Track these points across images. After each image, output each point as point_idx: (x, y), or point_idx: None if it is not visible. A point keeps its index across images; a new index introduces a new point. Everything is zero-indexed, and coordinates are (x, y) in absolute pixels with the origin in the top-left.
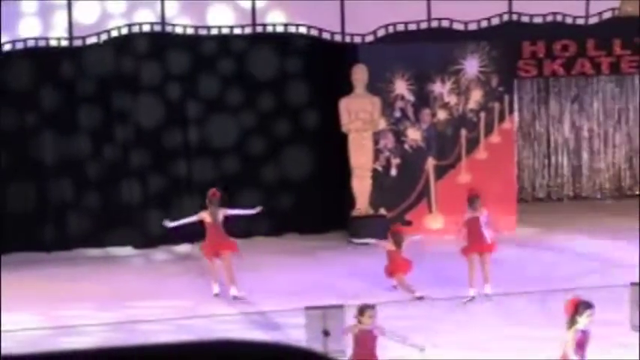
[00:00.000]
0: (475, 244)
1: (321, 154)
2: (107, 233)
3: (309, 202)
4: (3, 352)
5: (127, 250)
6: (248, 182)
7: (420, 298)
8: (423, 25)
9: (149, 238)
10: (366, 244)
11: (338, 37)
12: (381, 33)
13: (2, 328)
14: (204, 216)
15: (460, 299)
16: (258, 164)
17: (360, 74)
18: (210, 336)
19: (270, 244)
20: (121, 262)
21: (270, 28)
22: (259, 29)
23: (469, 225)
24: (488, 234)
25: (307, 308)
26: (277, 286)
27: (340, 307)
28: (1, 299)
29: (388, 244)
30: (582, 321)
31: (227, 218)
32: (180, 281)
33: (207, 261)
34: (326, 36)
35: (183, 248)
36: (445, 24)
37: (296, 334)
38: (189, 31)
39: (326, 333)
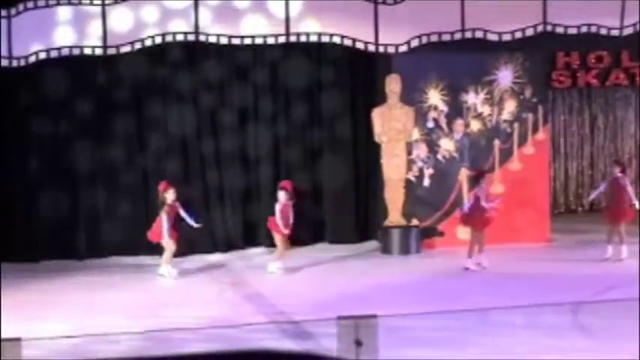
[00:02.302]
0: (478, 219)
1: (354, 164)
2: (140, 241)
3: (342, 212)
4: None
5: (159, 259)
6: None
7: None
8: (457, 36)
9: (181, 247)
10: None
11: (372, 47)
12: (414, 43)
13: (35, 336)
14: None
15: (493, 310)
16: (290, 173)
17: (393, 84)
18: (241, 345)
19: (302, 254)
20: (154, 271)
21: (303, 38)
22: (293, 38)
23: (475, 200)
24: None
25: (339, 318)
26: (309, 295)
27: (373, 317)
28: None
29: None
30: None
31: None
32: (211, 290)
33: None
34: (360, 46)
35: (215, 257)
36: (479, 34)
37: (327, 343)
38: (223, 40)
39: (358, 343)
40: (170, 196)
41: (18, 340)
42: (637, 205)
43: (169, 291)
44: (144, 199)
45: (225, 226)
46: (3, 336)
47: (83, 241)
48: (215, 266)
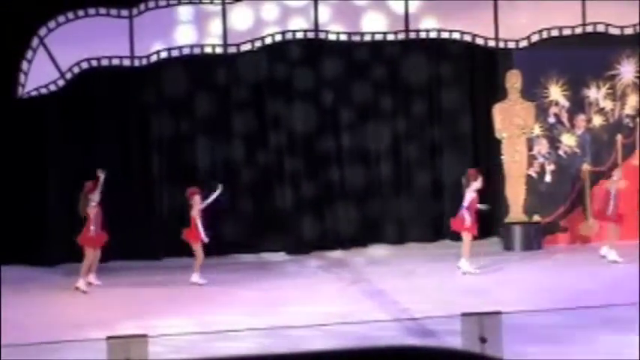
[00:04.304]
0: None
1: (474, 160)
2: (261, 239)
3: None
4: (160, 356)
5: (280, 256)
6: (401, 188)
7: None
8: (578, 30)
9: (302, 244)
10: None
11: (492, 43)
12: (535, 38)
13: (158, 332)
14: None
15: (619, 307)
16: (411, 170)
17: (514, 80)
18: (363, 343)
19: (423, 250)
20: (274, 268)
21: (423, 34)
22: (412, 35)
23: (472, 203)
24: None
25: (464, 315)
26: (430, 292)
27: (497, 313)
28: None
29: None
30: None
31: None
32: (332, 287)
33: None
34: (479, 41)
35: (336, 254)
36: (600, 28)
37: (451, 340)
38: (343, 37)
39: (483, 340)
40: (197, 203)
41: (144, 336)
42: None
43: (291, 288)
44: (265, 196)
45: (347, 223)
46: (130, 332)
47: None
48: (337, 263)
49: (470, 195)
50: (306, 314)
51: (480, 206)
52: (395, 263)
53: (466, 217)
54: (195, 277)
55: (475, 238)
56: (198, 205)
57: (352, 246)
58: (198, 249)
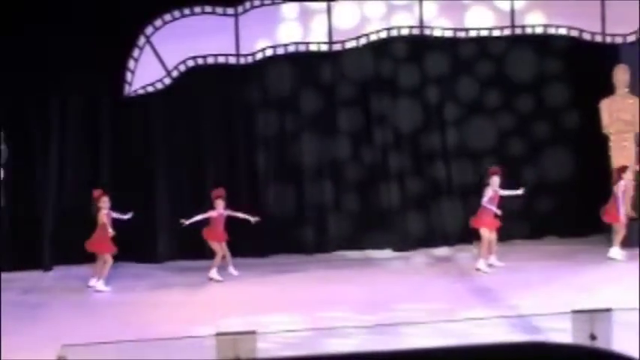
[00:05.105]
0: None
1: (581, 156)
2: (366, 236)
3: (569, 205)
4: (268, 353)
5: (386, 253)
6: (507, 184)
7: None
8: None
9: (408, 241)
10: None
11: (598, 38)
12: None
13: (265, 330)
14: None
15: None
16: (517, 166)
17: (621, 75)
18: (470, 340)
19: (530, 248)
20: (380, 265)
21: (529, 30)
22: (518, 31)
23: (493, 201)
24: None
25: (574, 312)
26: (538, 288)
27: (608, 310)
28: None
29: None
30: None
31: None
32: (438, 284)
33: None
34: (586, 37)
35: (442, 251)
36: None
37: (560, 338)
38: (448, 33)
39: (593, 337)
40: (220, 205)
41: (253, 333)
42: None
43: (397, 285)
44: (370, 194)
45: (453, 219)
46: (238, 329)
47: (311, 235)
48: (443, 260)
49: (490, 192)
50: (412, 311)
51: (512, 193)
52: (500, 260)
53: (485, 215)
54: (213, 273)
55: (496, 234)
56: (220, 207)
57: (458, 242)
58: (217, 248)
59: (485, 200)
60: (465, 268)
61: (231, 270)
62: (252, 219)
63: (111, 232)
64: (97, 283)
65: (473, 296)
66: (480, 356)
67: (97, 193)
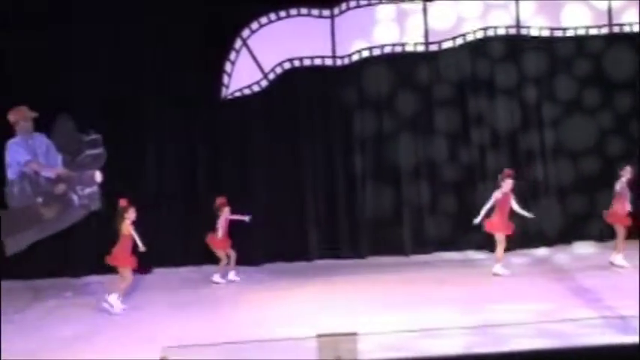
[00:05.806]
0: (504, 223)
1: None
2: (465, 237)
3: None
4: (369, 355)
5: (484, 254)
6: (606, 184)
7: None
8: None
9: (507, 242)
10: None
11: None
12: None
13: (365, 330)
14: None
15: None
16: (616, 165)
17: None
18: (570, 341)
19: (628, 247)
20: (479, 266)
21: (627, 28)
22: (616, 29)
23: (503, 203)
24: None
25: None
26: (637, 290)
27: None
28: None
29: None
30: None
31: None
32: (538, 284)
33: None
34: None
35: (541, 252)
36: None
37: None
38: (545, 32)
39: None
40: (225, 212)
41: (354, 334)
42: None
43: (498, 286)
44: (468, 194)
45: (551, 219)
46: (339, 330)
47: (408, 236)
48: (542, 260)
49: (498, 195)
50: (512, 312)
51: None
52: (600, 260)
53: (496, 218)
54: (217, 277)
55: (508, 238)
56: (226, 214)
57: (556, 243)
58: (222, 254)
59: (489, 204)
60: (563, 268)
61: (232, 276)
62: (246, 218)
63: (142, 247)
64: (111, 298)
65: (572, 297)
66: (587, 357)
67: (123, 202)
